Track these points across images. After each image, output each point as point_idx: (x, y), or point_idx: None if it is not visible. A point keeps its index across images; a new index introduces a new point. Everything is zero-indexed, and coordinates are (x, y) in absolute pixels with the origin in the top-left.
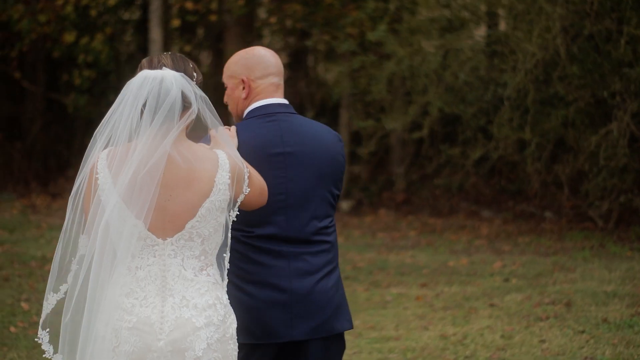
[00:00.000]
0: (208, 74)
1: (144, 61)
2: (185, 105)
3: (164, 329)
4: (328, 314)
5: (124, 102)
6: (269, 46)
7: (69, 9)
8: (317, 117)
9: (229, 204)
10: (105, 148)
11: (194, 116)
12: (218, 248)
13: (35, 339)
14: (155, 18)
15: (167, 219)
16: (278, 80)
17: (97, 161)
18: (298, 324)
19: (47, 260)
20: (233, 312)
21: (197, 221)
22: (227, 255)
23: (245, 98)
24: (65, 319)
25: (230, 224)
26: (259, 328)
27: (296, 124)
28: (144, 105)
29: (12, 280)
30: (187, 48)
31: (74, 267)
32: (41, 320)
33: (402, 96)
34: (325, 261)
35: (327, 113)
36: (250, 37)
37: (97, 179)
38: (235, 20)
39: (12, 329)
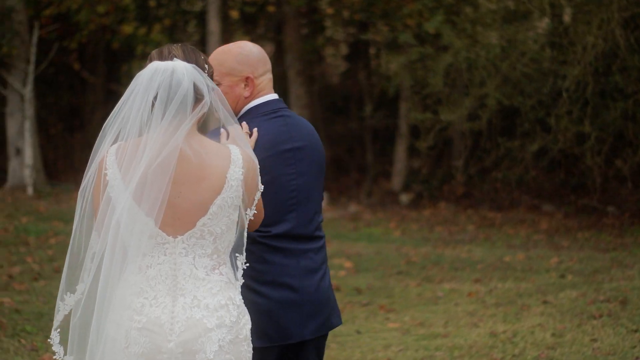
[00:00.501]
0: None
1: (154, 52)
2: (198, 97)
3: (174, 330)
4: (328, 311)
5: (134, 94)
6: (330, 38)
7: (127, 0)
8: (375, 110)
9: (243, 201)
10: (115, 142)
11: (206, 109)
12: (231, 246)
13: (48, 340)
14: (213, 9)
15: (177, 217)
16: (271, 75)
17: (106, 156)
18: (308, 322)
19: None
20: (247, 313)
21: (209, 219)
22: (241, 256)
23: (248, 96)
24: (74, 319)
25: (246, 223)
26: (274, 329)
27: (297, 119)
28: (155, 97)
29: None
30: (247, 40)
31: (87, 265)
32: (55, 322)
33: (459, 88)
34: (323, 257)
35: (386, 105)
36: (311, 28)
37: (105, 174)
38: (294, 11)
39: None
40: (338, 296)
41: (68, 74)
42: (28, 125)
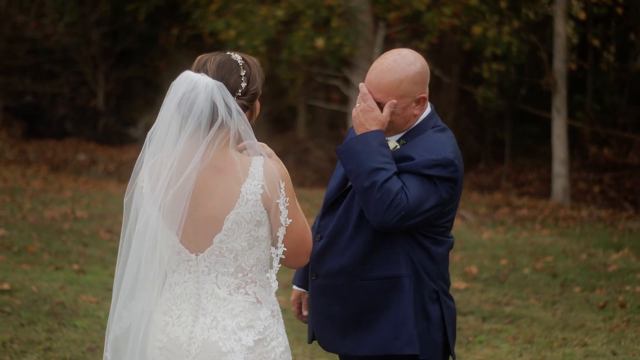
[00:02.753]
0: (612, 67)
1: (196, 60)
2: (215, 117)
3: (190, 352)
4: None
5: (164, 105)
6: None
7: (474, 1)
8: None
9: (271, 216)
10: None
11: (224, 131)
12: (260, 264)
13: None
14: (560, 10)
15: (197, 233)
16: None
17: (144, 169)
18: None
19: None
20: (281, 335)
21: (225, 235)
22: (270, 274)
23: (418, 114)
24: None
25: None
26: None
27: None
28: (178, 109)
29: None
30: (595, 42)
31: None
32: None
33: None
34: None
35: None
36: None
37: (141, 187)
38: None
39: None
40: None
41: None
42: None
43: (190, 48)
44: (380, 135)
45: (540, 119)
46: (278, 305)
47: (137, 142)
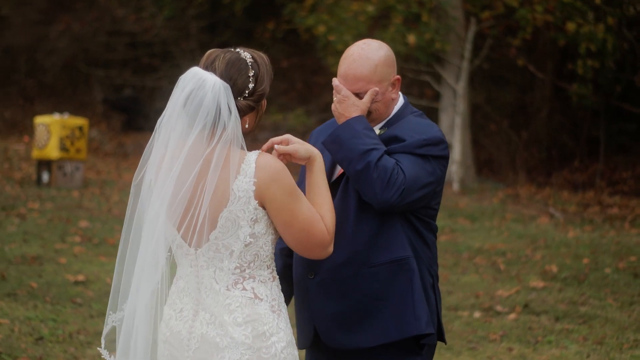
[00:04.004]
0: None
1: (205, 55)
2: (219, 119)
3: (190, 346)
4: None
5: (174, 98)
6: None
7: None
8: None
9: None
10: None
11: (226, 134)
12: (258, 260)
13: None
14: None
15: (195, 229)
16: None
17: (152, 159)
18: None
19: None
20: (282, 331)
21: (220, 232)
22: (267, 270)
23: (396, 97)
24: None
25: (271, 236)
26: None
27: None
28: (184, 106)
29: None
30: None
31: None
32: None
33: None
34: None
35: None
36: None
37: (150, 180)
38: None
39: None
40: None
41: (511, 70)
42: (458, 121)
43: (287, 43)
44: (363, 119)
45: (636, 117)
46: (281, 299)
47: None
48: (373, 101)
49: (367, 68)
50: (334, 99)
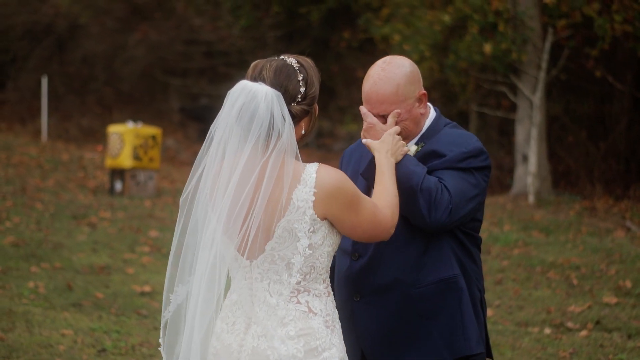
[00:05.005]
0: None
1: (251, 66)
2: (273, 128)
3: (240, 359)
4: None
5: (224, 113)
6: None
7: None
8: None
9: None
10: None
11: (281, 142)
12: (314, 272)
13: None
14: None
15: (251, 240)
16: None
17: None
18: None
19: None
20: (335, 347)
21: (276, 242)
22: (320, 283)
23: (424, 112)
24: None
25: (327, 248)
26: None
27: None
28: (237, 120)
29: None
30: None
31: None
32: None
33: None
34: None
35: None
36: None
37: (205, 194)
38: None
39: None
40: None
41: (589, 81)
42: (535, 133)
43: (363, 52)
44: None
45: None
46: (335, 315)
47: (307, 146)
48: (399, 121)
49: (389, 89)
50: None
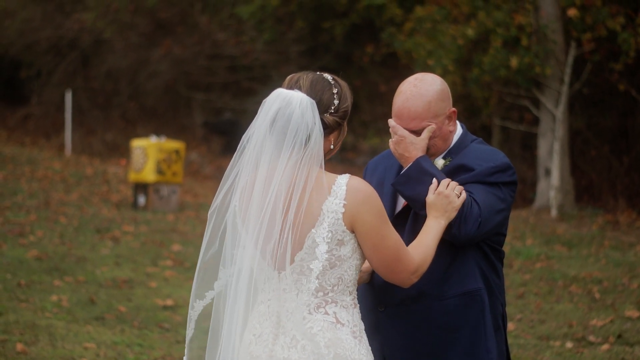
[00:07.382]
0: None
1: (287, 78)
2: (307, 136)
3: None
4: None
5: (259, 120)
6: None
7: None
8: None
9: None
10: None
11: (313, 150)
12: (342, 284)
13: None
14: None
15: (280, 251)
16: None
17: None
18: None
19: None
20: (365, 357)
21: (306, 253)
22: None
23: (453, 129)
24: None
25: (356, 261)
26: None
27: None
28: (271, 126)
29: None
30: None
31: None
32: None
33: None
34: None
35: None
36: None
37: (234, 206)
38: None
39: None
40: None
41: (612, 95)
42: (557, 147)
43: (386, 67)
44: (427, 158)
45: None
46: (361, 326)
47: (331, 160)
48: (431, 137)
49: (421, 105)
50: (392, 139)
